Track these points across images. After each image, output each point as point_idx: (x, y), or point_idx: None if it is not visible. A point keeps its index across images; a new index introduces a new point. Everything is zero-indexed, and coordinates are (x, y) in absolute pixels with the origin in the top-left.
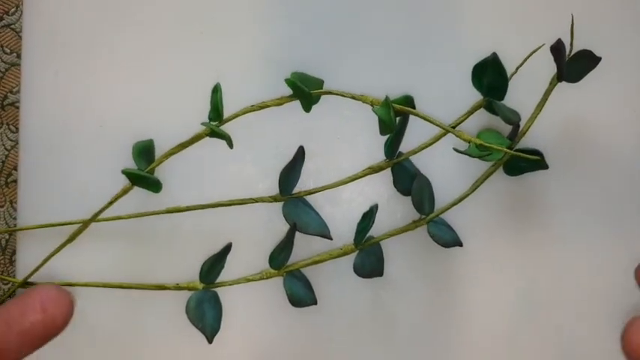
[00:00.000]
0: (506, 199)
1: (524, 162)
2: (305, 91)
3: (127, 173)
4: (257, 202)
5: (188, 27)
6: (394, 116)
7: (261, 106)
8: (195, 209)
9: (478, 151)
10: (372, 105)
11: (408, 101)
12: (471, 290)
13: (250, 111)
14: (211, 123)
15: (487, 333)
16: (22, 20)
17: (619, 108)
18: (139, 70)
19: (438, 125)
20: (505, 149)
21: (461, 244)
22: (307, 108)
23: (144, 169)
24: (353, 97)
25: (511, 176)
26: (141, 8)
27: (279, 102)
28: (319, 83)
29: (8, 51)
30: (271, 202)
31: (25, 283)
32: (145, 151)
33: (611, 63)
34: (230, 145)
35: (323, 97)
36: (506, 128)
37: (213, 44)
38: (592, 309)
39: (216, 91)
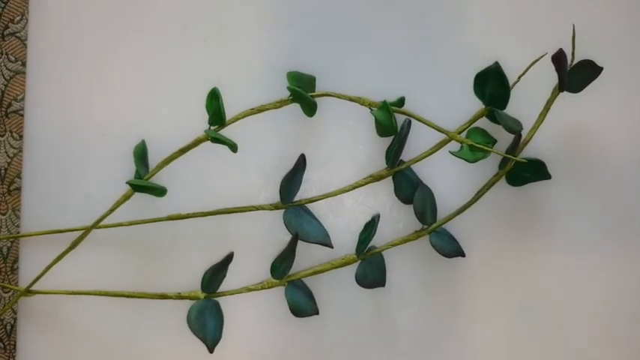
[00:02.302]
0: (509, 209)
1: (527, 172)
2: (305, 95)
3: (132, 184)
4: (258, 209)
5: (191, 35)
6: (394, 118)
7: (260, 109)
8: (196, 216)
9: (472, 153)
10: (369, 107)
11: (401, 102)
12: (473, 300)
13: (250, 114)
14: (212, 128)
15: (490, 343)
16: (27, 28)
17: (621, 118)
18: (143, 78)
19: (439, 130)
20: (510, 155)
21: (463, 255)
22: (309, 112)
23: (144, 173)
24: (350, 99)
25: (513, 186)
26: (145, 17)
27: (278, 105)
28: (312, 80)
29: (13, 59)
30: (272, 209)
31: (28, 292)
32: (143, 155)
33: (613, 73)
34: (234, 149)
35: (326, 107)
36: (509, 137)
37: (215, 52)
38: (595, 318)
39: (217, 96)
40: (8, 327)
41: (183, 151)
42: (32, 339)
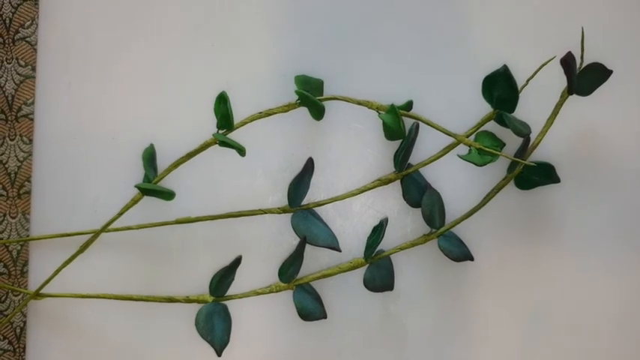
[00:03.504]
0: (518, 212)
1: (536, 175)
2: (312, 99)
3: (141, 188)
4: (266, 213)
5: (199, 40)
6: (402, 122)
7: (268, 113)
8: (204, 220)
9: (480, 157)
10: (377, 111)
11: (409, 106)
12: (482, 304)
13: (257, 118)
14: (220, 132)
15: (499, 347)
16: (37, 33)
17: (631, 121)
18: (152, 83)
19: (447, 134)
20: (519, 159)
21: (472, 259)
22: (316, 116)
23: (153, 177)
24: (359, 103)
25: (522, 190)
26: (153, 22)
27: (286, 109)
28: (320, 84)
29: (23, 63)
30: (280, 213)
31: (37, 295)
32: (151, 159)
33: (622, 76)
34: (242, 153)
35: (333, 111)
36: (517, 141)
37: (223, 56)
38: (605, 322)
39: (225, 100)
40: (18, 330)
41: (192, 154)
42: (41, 342)
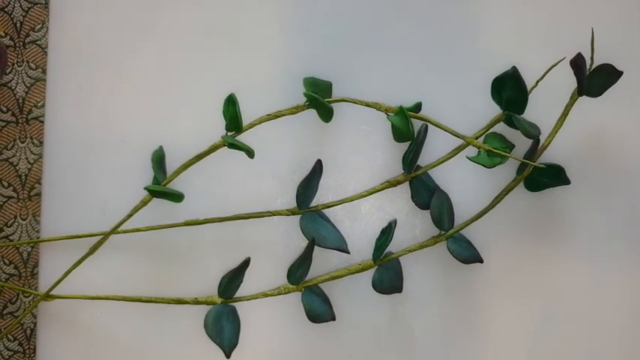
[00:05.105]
0: (527, 214)
1: (545, 177)
2: (321, 101)
3: (150, 190)
4: (274, 215)
5: (208, 42)
6: (410, 124)
7: (277, 115)
8: (213, 222)
9: (489, 159)
10: (386, 113)
11: (418, 108)
12: (491, 307)
13: (266, 120)
14: (229, 134)
15: (508, 350)
16: (47, 37)
17: None
18: (161, 85)
19: (456, 135)
20: (528, 160)
21: (481, 261)
22: (325, 118)
23: (162, 179)
24: (367, 105)
25: (532, 191)
26: (163, 25)
27: (294, 111)
28: (328, 86)
29: (34, 66)
30: (288, 215)
31: (47, 296)
32: (160, 161)
33: (632, 77)
34: (250, 155)
35: (342, 113)
36: (527, 142)
37: (232, 59)
38: (614, 325)
39: (234, 102)
40: (28, 331)
41: (201, 157)
42: (51, 343)
